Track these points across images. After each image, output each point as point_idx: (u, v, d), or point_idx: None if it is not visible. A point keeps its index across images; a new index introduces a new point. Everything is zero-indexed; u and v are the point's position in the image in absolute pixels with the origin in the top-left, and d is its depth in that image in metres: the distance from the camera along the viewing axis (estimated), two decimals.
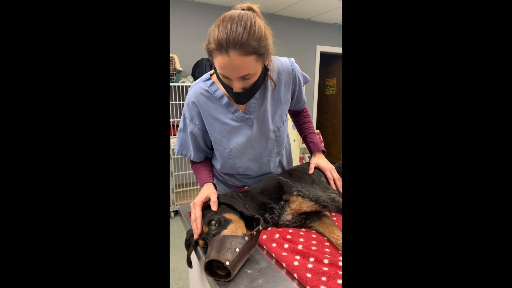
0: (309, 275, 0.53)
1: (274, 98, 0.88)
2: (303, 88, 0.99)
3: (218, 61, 0.68)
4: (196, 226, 0.67)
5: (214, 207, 0.71)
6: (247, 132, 0.87)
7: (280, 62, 0.87)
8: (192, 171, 2.95)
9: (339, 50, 4.22)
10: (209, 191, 0.77)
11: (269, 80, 0.84)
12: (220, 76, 0.72)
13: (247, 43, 0.65)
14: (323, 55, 4.24)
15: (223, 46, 0.65)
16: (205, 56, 3.04)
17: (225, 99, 0.84)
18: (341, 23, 4.06)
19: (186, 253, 2.15)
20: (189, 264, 0.72)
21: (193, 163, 0.96)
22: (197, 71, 2.81)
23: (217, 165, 0.94)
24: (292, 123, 1.13)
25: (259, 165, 0.93)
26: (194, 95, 0.85)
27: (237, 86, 0.71)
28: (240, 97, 0.75)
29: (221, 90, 0.84)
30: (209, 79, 0.86)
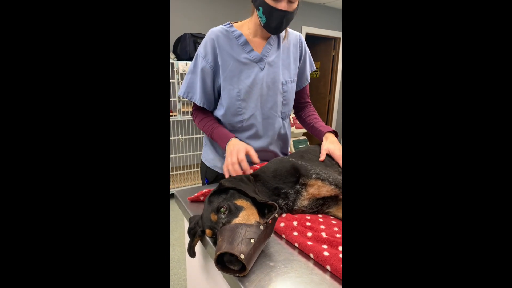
0: None
1: (284, 52, 0.95)
2: (309, 70, 1.03)
3: None
4: (236, 170, 0.73)
5: (256, 158, 0.78)
6: (258, 75, 0.90)
7: (289, 29, 0.96)
8: (188, 154, 2.88)
9: (324, 32, 4.15)
10: (244, 144, 0.80)
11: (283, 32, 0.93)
12: None
13: None
14: (308, 37, 4.16)
15: None
16: (189, 31, 2.85)
17: (242, 39, 0.89)
18: (327, 4, 3.97)
19: (178, 240, 2.09)
20: (193, 254, 0.64)
21: (198, 114, 0.96)
22: (179, 48, 2.62)
23: (221, 110, 0.93)
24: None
25: (263, 116, 0.94)
26: (213, 33, 0.89)
27: (284, 5, 0.79)
28: (284, 19, 0.82)
29: (239, 31, 0.90)
30: (229, 23, 0.92)
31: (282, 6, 0.79)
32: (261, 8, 0.82)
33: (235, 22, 0.93)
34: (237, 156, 0.75)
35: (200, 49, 0.90)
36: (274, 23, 0.83)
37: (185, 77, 0.94)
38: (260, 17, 0.84)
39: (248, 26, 0.91)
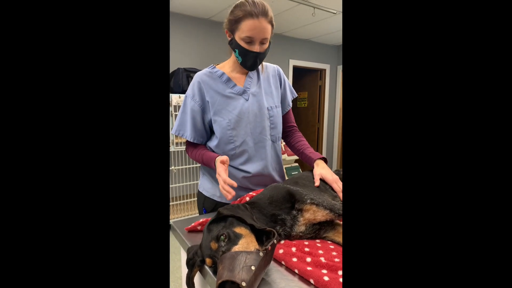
0: None
1: (265, 82, 1.06)
2: (290, 96, 1.13)
3: (248, 24, 0.88)
4: (228, 191, 0.79)
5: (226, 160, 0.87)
6: (244, 105, 0.99)
7: (265, 63, 1.09)
8: (182, 184, 2.85)
9: (310, 64, 4.36)
10: (219, 164, 0.87)
11: (259, 66, 1.05)
12: (243, 42, 0.91)
13: (269, 14, 0.90)
14: (295, 69, 4.36)
15: (255, 13, 0.87)
16: (182, 66, 2.96)
17: (225, 77, 1.00)
18: (312, 39, 4.22)
19: (172, 274, 2.00)
20: (192, 286, 0.63)
21: (190, 148, 1.05)
22: (172, 81, 2.70)
23: (215, 141, 1.00)
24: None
25: (254, 141, 1.00)
26: (199, 77, 1.00)
27: (257, 48, 0.92)
28: (257, 59, 0.94)
29: (221, 71, 1.01)
30: (212, 66, 1.04)
31: (255, 48, 0.92)
32: (237, 50, 0.94)
33: (217, 64, 1.05)
34: (222, 179, 0.82)
35: (189, 91, 1.01)
36: (249, 63, 0.95)
37: (177, 117, 1.04)
38: (237, 57, 0.96)
39: (229, 64, 1.03)
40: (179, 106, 2.64)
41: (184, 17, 3.09)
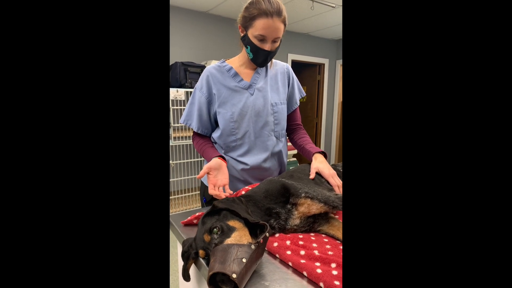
0: (337, 282, 0.48)
1: (272, 78, 1.08)
2: (298, 95, 1.14)
3: (262, 23, 0.90)
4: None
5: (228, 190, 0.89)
6: (248, 99, 1.02)
7: (275, 60, 1.10)
8: (187, 177, 2.87)
9: (308, 58, 4.34)
10: (223, 180, 0.89)
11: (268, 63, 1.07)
12: (255, 39, 0.93)
13: (283, 13, 0.91)
14: (294, 64, 4.34)
15: (270, 12, 0.88)
16: (179, 59, 2.94)
17: (232, 71, 1.03)
18: (310, 33, 4.19)
19: (172, 267, 2.02)
20: (187, 277, 0.64)
21: (196, 138, 1.08)
22: (170, 75, 2.68)
23: (218, 132, 1.04)
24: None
25: (255, 135, 1.03)
26: (208, 70, 1.04)
27: (269, 46, 0.94)
28: (268, 57, 0.97)
29: (229, 65, 1.04)
30: (222, 60, 1.07)
31: (267, 47, 0.94)
32: (249, 46, 0.96)
33: (227, 59, 1.08)
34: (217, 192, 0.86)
35: (198, 83, 1.06)
36: (260, 60, 0.98)
37: (186, 107, 1.08)
38: (248, 53, 0.99)
39: (239, 59, 1.06)
40: (176, 101, 2.63)
41: (182, 10, 3.06)
